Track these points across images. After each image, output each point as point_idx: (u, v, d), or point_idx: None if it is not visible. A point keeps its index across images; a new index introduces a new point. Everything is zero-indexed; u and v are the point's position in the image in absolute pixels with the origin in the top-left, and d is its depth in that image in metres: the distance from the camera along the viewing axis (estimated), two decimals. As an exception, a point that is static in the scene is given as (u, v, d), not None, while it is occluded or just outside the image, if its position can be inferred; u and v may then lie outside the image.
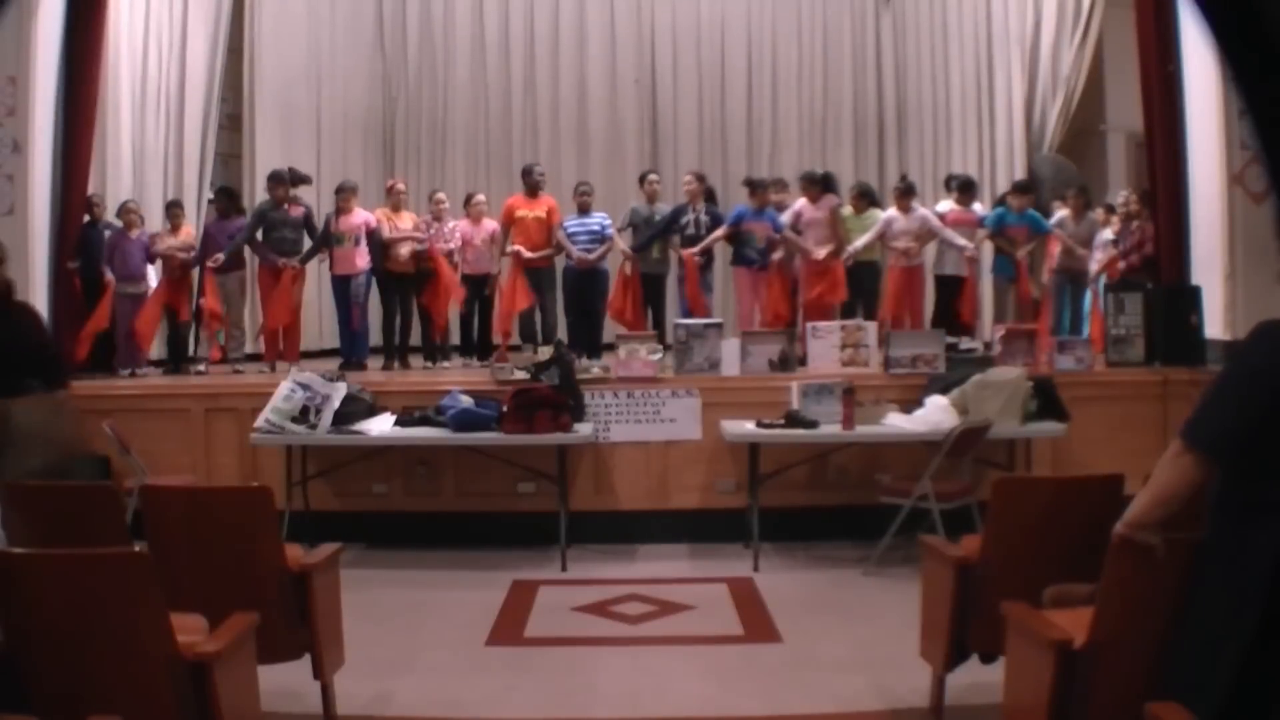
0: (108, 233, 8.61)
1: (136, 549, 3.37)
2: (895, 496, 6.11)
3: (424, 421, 6.54)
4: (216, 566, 3.77)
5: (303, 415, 6.31)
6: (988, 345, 8.28)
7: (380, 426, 6.53)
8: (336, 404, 6.43)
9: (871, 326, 7.65)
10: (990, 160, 12.09)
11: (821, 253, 8.75)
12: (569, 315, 9.30)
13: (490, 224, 9.25)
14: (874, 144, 12.92)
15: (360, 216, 8.92)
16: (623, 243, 9.27)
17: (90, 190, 8.57)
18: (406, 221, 9.10)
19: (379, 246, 8.89)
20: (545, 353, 7.03)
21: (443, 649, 5.00)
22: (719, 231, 8.92)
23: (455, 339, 9.53)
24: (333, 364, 8.80)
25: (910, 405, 6.57)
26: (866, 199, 9.28)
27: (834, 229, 8.90)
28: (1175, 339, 7.46)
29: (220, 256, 8.72)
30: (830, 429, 6.32)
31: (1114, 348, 7.80)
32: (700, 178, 9.29)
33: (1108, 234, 9.47)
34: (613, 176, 12.84)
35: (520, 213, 9.10)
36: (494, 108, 12.92)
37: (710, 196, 9.28)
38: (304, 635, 3.92)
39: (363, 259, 8.85)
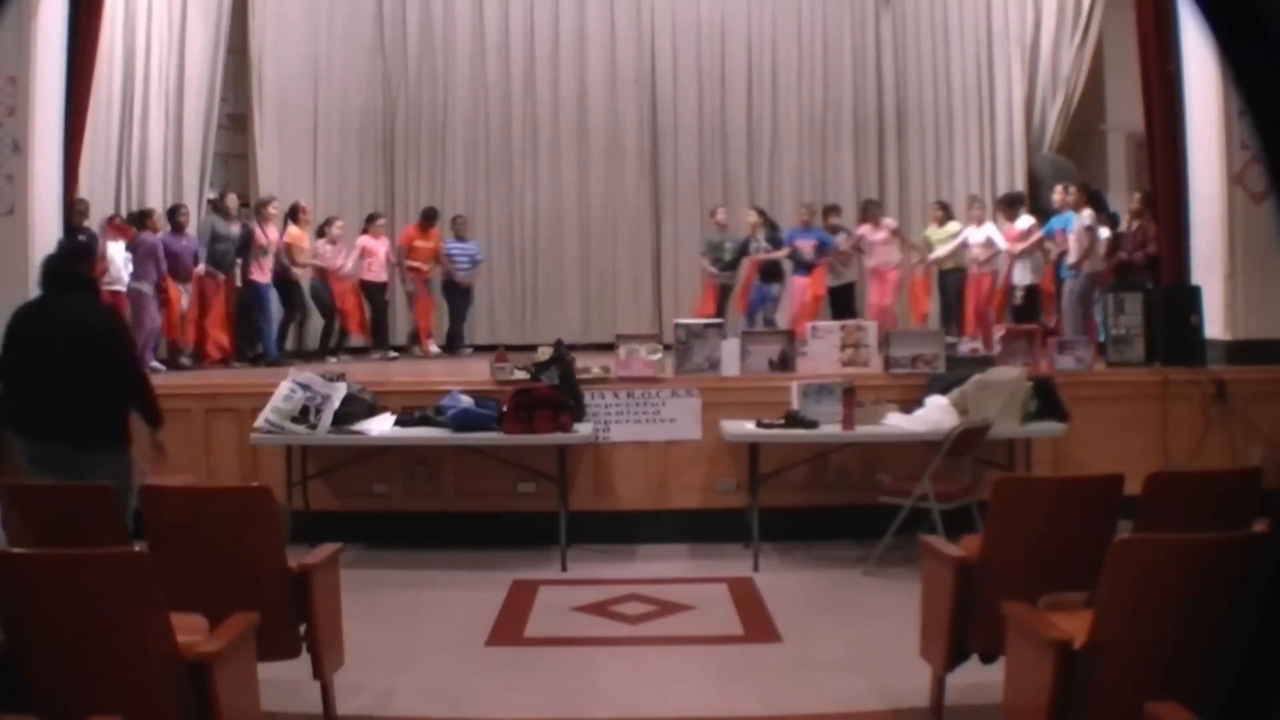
0: (82, 239, 8.59)
1: (136, 549, 3.37)
2: (895, 496, 6.11)
3: (424, 421, 6.54)
4: (216, 566, 3.77)
5: (303, 415, 6.31)
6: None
7: (380, 426, 6.52)
8: (336, 404, 6.42)
9: (871, 326, 7.66)
10: (990, 160, 12.10)
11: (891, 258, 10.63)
12: (451, 318, 11.29)
13: (387, 241, 10.89)
14: (874, 144, 12.92)
15: (274, 231, 10.07)
16: (706, 264, 11.06)
17: (84, 194, 8.62)
18: (308, 242, 10.36)
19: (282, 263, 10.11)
20: (545, 352, 7.02)
21: (443, 649, 5.00)
22: (780, 252, 10.74)
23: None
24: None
25: (910, 405, 6.57)
26: (945, 212, 10.72)
27: (901, 244, 10.73)
28: (1175, 339, 7.46)
29: (204, 267, 9.52)
30: (830, 429, 6.32)
31: (1114, 348, 7.80)
32: (760, 213, 11.10)
33: (1104, 232, 9.53)
34: (613, 176, 12.86)
35: (417, 242, 11.09)
36: (494, 108, 12.91)
37: (771, 225, 10.99)
38: (304, 635, 3.92)
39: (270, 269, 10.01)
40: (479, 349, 11.12)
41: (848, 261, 10.74)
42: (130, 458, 4.80)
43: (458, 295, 11.28)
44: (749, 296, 10.83)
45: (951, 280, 10.53)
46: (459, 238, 11.29)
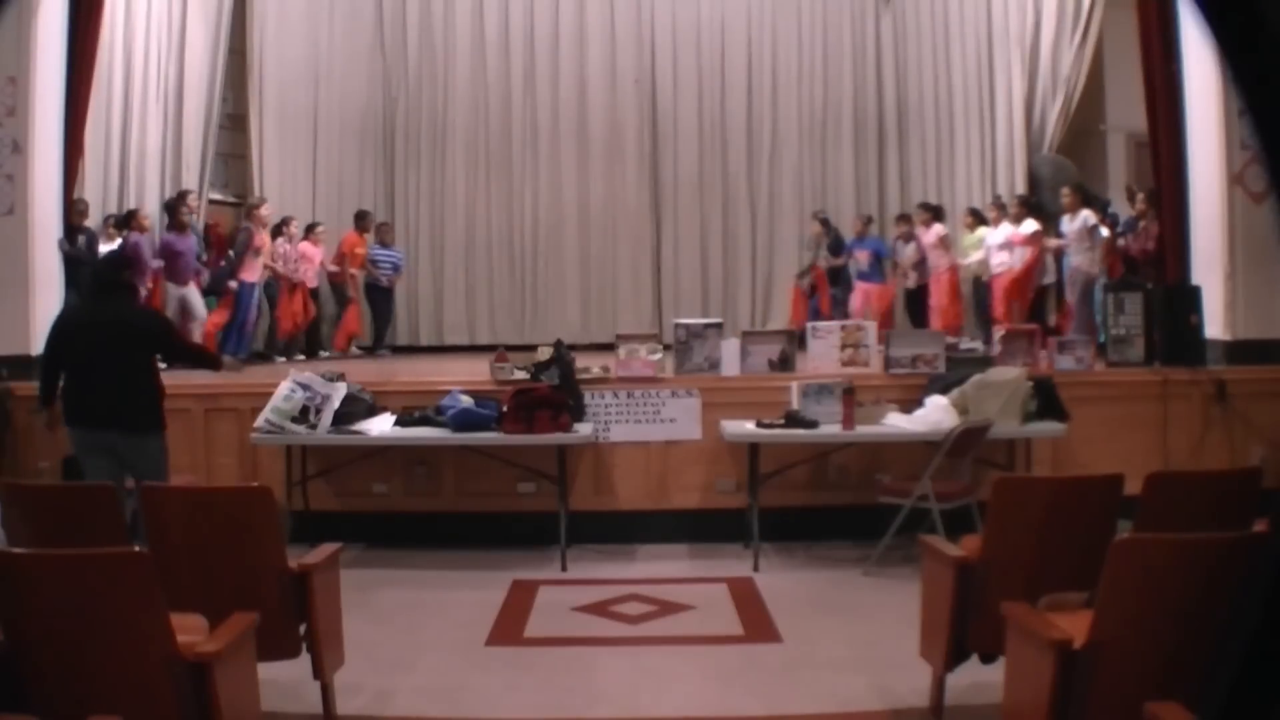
0: (82, 238, 8.58)
1: (136, 549, 3.37)
2: (895, 496, 6.11)
3: (424, 421, 6.53)
4: (216, 566, 3.77)
5: (303, 415, 6.31)
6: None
7: (380, 426, 6.52)
8: (336, 404, 6.42)
9: (871, 326, 7.67)
10: (990, 160, 12.07)
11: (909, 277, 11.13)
12: (376, 321, 11.68)
13: (323, 250, 11.05)
14: (874, 144, 12.92)
15: (267, 235, 10.27)
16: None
17: (85, 193, 8.62)
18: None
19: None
20: (545, 352, 7.02)
21: (443, 649, 5.00)
22: (838, 260, 11.43)
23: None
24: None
25: (910, 405, 6.57)
26: (975, 218, 10.98)
27: (943, 251, 10.92)
28: (1175, 339, 7.45)
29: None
30: (830, 429, 6.32)
31: (1114, 348, 7.80)
32: (823, 221, 11.69)
33: (1104, 232, 9.57)
34: (613, 176, 12.86)
35: (359, 250, 11.37)
36: (494, 108, 12.92)
37: (835, 234, 11.64)
38: (304, 635, 3.92)
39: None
40: (480, 349, 11.13)
41: (916, 268, 11.19)
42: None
43: (381, 299, 11.61)
44: (827, 298, 11.44)
45: (980, 282, 10.75)
46: (383, 243, 11.61)
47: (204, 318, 9.51)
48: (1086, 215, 9.36)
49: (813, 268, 11.72)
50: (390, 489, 6.97)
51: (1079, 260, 9.29)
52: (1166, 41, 8.03)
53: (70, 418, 5.30)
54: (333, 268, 11.20)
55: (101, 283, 5.56)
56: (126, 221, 9.23)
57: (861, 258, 11.26)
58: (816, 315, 11.16)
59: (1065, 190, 9.79)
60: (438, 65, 12.91)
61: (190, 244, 9.46)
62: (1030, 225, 10.06)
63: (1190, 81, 7.89)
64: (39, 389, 5.50)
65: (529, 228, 12.91)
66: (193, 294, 9.47)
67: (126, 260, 5.92)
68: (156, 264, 9.14)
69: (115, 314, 5.32)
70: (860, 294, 11.26)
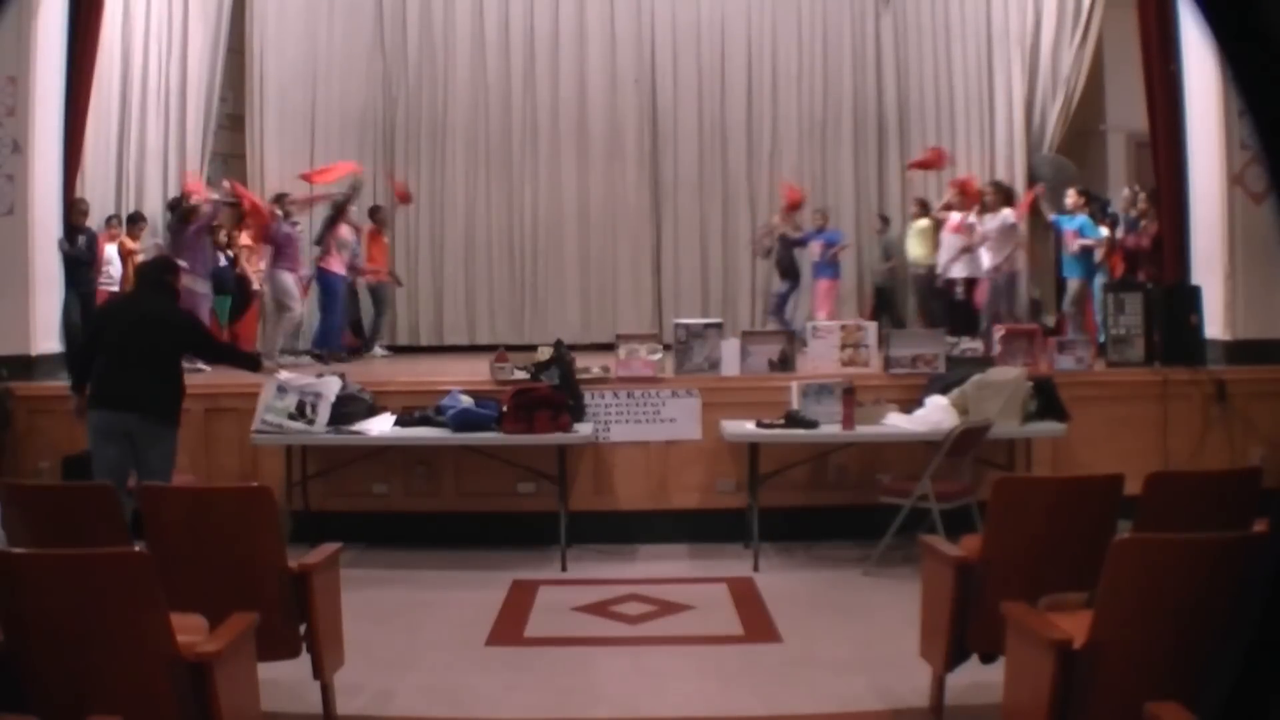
0: (82, 238, 8.58)
1: (136, 549, 3.37)
2: (895, 496, 6.11)
3: (424, 421, 6.53)
4: (216, 566, 3.77)
5: (299, 412, 6.30)
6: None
7: (380, 426, 6.52)
8: (331, 398, 6.40)
9: (871, 327, 7.67)
10: (990, 160, 12.06)
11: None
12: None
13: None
14: (874, 144, 12.89)
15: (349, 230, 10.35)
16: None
17: (85, 193, 8.63)
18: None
19: None
20: (545, 352, 7.02)
21: (443, 649, 5.01)
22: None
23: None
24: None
25: (910, 405, 6.57)
26: (921, 208, 10.99)
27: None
28: (1175, 339, 7.46)
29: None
30: (830, 429, 6.32)
31: (1114, 348, 7.80)
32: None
33: (1103, 231, 9.64)
34: (613, 176, 12.83)
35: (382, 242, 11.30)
36: (494, 108, 12.89)
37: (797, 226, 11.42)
38: (304, 635, 3.92)
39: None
40: (480, 349, 11.12)
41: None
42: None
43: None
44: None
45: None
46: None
47: (299, 306, 9.67)
48: (1006, 214, 9.51)
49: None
50: (390, 489, 6.97)
51: (994, 258, 9.38)
52: (1166, 41, 8.04)
53: (95, 400, 5.50)
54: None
55: (147, 281, 5.96)
56: (185, 219, 9.26)
57: (815, 249, 11.09)
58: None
59: (988, 187, 9.91)
60: (438, 65, 12.88)
61: (298, 234, 9.73)
62: (957, 215, 10.10)
63: (1190, 81, 7.90)
64: (72, 374, 5.78)
65: (529, 227, 12.89)
66: (292, 283, 9.57)
67: (172, 264, 6.21)
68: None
69: (154, 309, 5.63)
70: (819, 291, 11.13)
